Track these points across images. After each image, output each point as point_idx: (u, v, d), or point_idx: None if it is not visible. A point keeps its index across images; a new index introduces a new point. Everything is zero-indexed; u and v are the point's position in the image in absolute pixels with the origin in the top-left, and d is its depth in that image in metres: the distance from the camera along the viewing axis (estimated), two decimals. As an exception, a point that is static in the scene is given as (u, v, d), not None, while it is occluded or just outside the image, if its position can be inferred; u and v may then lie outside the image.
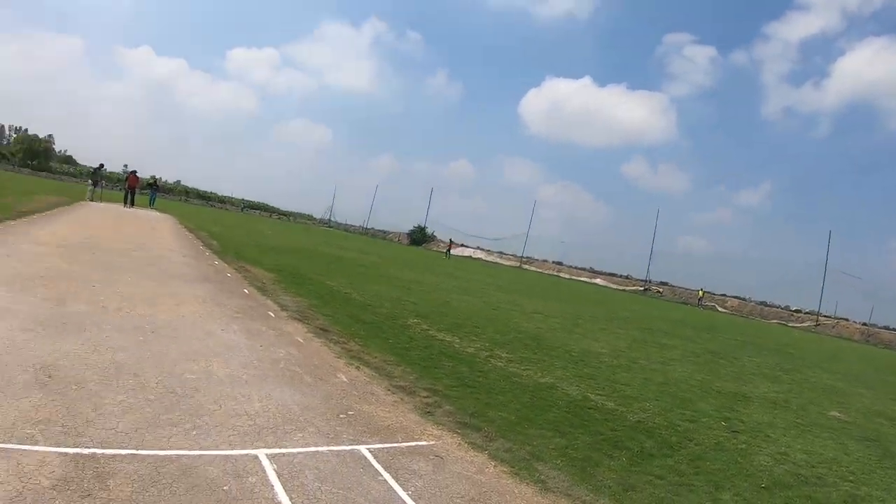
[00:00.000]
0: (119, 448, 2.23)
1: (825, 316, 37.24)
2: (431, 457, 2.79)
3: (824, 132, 74.43)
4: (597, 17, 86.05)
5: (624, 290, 41.19)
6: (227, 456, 2.34)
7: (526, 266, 53.51)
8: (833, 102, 77.72)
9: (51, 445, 2.16)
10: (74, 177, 51.91)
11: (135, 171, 24.79)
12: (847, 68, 71.54)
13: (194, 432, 2.50)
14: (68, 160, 65.68)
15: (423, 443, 2.95)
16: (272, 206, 72.73)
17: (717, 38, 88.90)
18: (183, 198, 60.01)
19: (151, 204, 26.78)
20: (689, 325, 14.87)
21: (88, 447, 2.19)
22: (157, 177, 35.74)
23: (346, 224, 75.15)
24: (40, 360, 3.03)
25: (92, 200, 21.35)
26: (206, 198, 66.23)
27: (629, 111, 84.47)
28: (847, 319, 37.26)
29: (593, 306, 16.02)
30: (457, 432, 3.19)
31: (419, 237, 62.56)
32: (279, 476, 2.26)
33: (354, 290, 8.74)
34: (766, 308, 40.43)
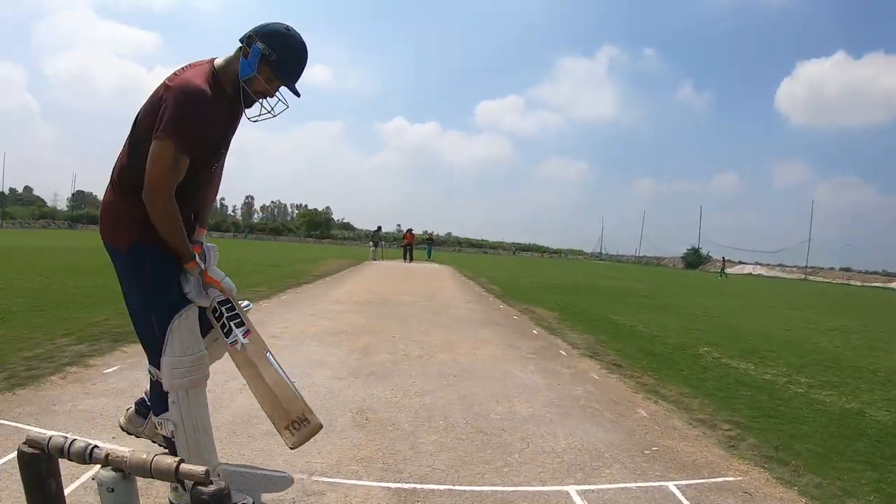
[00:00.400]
0: (437, 484, 2.43)
1: None
2: (740, 493, 2.53)
3: None
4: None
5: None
6: (538, 492, 2.42)
7: (811, 277, 48.85)
8: None
9: (374, 480, 2.43)
10: (354, 240, 61.18)
11: (410, 229, 28.43)
12: None
13: (506, 469, 2.63)
14: (347, 226, 77.21)
15: (730, 478, 2.70)
16: (542, 246, 75.22)
17: None
18: (456, 248, 65.93)
19: (429, 257, 30.12)
20: None
21: (409, 482, 2.42)
22: (430, 231, 40.24)
23: (618, 255, 73.80)
24: (356, 404, 3.49)
25: (375, 260, 24.66)
26: (477, 245, 71.70)
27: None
28: None
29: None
30: (763, 466, 2.88)
31: (694, 259, 59.03)
32: (590, 512, 2.26)
33: (639, 321, 8.56)
34: None
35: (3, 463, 2.29)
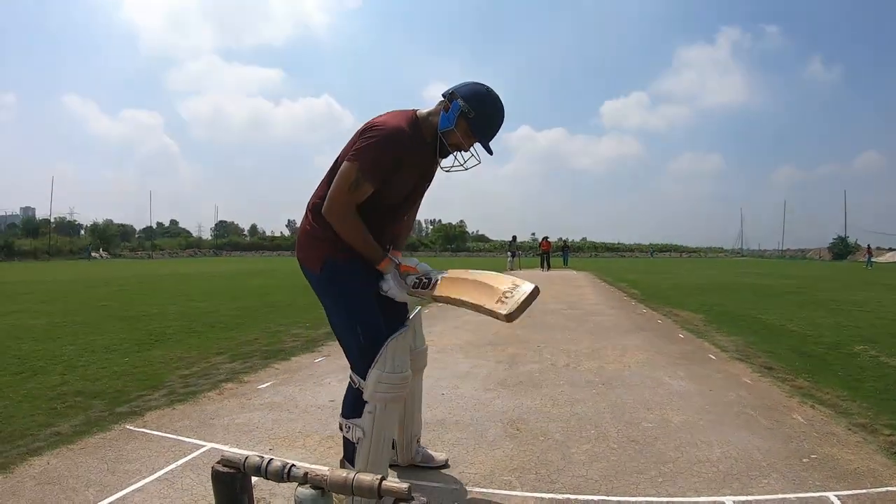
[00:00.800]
0: (591, 494, 2.50)
1: None
2: (904, 504, 2.38)
3: None
4: None
5: None
6: (694, 503, 2.43)
7: None
8: None
9: (528, 491, 2.52)
10: (490, 251, 61.38)
11: (546, 237, 28.21)
12: None
13: (659, 479, 2.67)
14: (482, 238, 77.48)
15: (894, 488, 2.53)
16: (680, 246, 71.08)
17: None
18: (592, 253, 64.13)
19: (565, 263, 29.65)
20: None
21: (562, 493, 2.51)
22: (565, 238, 39.51)
23: (760, 249, 67.75)
24: (506, 415, 3.62)
25: (512, 269, 24.64)
26: (613, 249, 69.30)
27: None
28: None
29: None
30: None
31: (841, 249, 52.82)
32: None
33: (788, 320, 8.06)
34: None
35: (165, 473, 2.59)
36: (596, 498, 2.46)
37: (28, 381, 4.34)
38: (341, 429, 2.26)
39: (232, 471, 1.48)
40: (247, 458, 1.48)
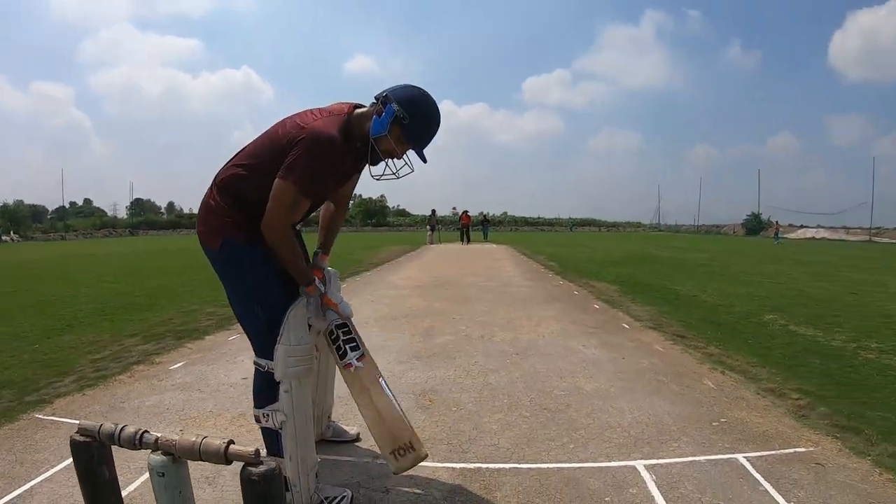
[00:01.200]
0: (502, 462, 2.47)
1: None
2: (812, 464, 2.46)
3: None
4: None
5: None
6: (605, 468, 2.42)
7: (877, 238, 46.26)
8: None
9: (439, 461, 2.48)
10: (411, 226, 61.46)
11: (466, 211, 28.43)
12: None
13: (571, 446, 2.65)
14: (402, 213, 77.29)
15: (801, 449, 2.63)
16: (599, 220, 73.82)
17: None
18: (512, 227, 65.49)
19: (485, 237, 30.13)
20: None
21: (473, 462, 2.47)
22: (485, 212, 40.11)
23: (676, 224, 71.83)
24: (419, 386, 3.57)
25: (432, 244, 24.75)
26: (533, 224, 70.99)
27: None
28: None
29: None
30: (835, 436, 2.78)
31: (754, 225, 57.02)
32: (659, 487, 2.25)
33: (701, 291, 8.42)
34: None
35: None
36: (507, 466, 2.43)
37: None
38: (258, 421, 2.11)
39: (88, 439, 1.46)
40: (101, 425, 1.46)
